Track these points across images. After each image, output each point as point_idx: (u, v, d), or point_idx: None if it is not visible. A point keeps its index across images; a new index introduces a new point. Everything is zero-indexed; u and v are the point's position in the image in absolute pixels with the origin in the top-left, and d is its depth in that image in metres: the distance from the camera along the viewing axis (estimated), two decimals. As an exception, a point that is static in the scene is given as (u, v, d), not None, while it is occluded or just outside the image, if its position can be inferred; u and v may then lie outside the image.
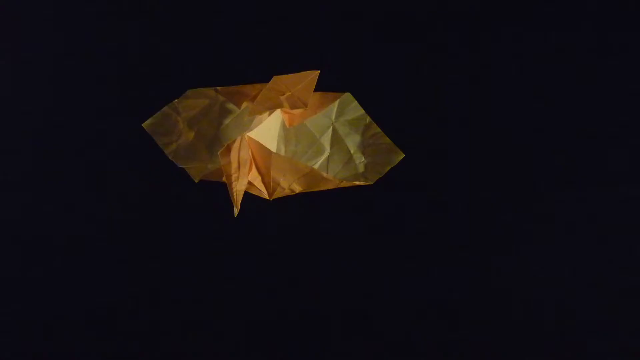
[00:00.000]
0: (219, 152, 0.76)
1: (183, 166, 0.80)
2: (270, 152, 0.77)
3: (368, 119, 0.80)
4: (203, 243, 0.84)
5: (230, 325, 0.83)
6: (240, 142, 0.76)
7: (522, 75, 0.86)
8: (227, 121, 0.80)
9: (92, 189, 0.85)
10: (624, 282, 0.83)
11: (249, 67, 0.85)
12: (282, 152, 0.80)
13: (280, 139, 0.81)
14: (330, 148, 0.80)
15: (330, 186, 0.78)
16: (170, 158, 0.80)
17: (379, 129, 0.80)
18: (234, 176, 0.76)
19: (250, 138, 0.77)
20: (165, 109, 0.81)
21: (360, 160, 0.80)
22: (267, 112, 0.77)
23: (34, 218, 0.85)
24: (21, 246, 0.85)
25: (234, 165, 0.76)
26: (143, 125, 0.80)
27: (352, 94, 0.80)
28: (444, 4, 0.86)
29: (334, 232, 0.83)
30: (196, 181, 0.79)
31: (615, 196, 0.84)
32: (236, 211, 0.76)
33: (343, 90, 0.80)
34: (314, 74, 0.79)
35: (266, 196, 0.78)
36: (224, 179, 0.77)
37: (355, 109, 0.81)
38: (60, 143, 0.86)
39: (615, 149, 0.84)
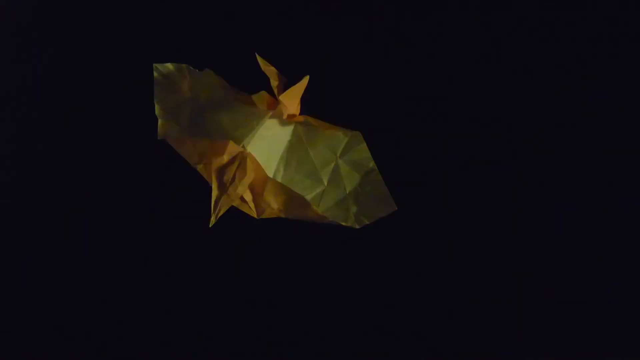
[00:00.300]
0: (213, 168, 0.76)
1: (160, 118, 0.79)
2: (267, 176, 0.77)
3: (372, 163, 0.79)
4: (203, 243, 0.84)
5: (230, 325, 0.83)
6: (240, 160, 0.76)
7: (522, 75, 0.86)
8: (226, 106, 0.79)
9: (92, 189, 0.85)
10: (624, 282, 0.83)
11: (249, 67, 0.85)
12: (280, 175, 0.79)
13: (282, 160, 0.80)
14: (328, 183, 0.79)
15: (316, 219, 0.78)
16: (156, 112, 0.79)
17: (379, 177, 0.79)
18: (221, 190, 0.76)
19: (251, 157, 0.76)
20: (179, 65, 0.80)
21: (352, 203, 0.79)
22: (268, 115, 0.77)
23: (33, 218, 0.85)
24: (20, 246, 0.85)
25: (228, 177, 0.76)
26: (155, 65, 0.80)
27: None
28: (444, 3, 0.87)
29: (334, 232, 0.83)
30: (158, 138, 0.79)
31: (615, 196, 0.84)
32: (211, 223, 0.76)
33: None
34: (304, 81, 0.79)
35: (254, 215, 0.78)
36: (212, 187, 0.76)
37: (361, 151, 0.79)
38: (60, 143, 0.86)
39: (615, 149, 0.85)
